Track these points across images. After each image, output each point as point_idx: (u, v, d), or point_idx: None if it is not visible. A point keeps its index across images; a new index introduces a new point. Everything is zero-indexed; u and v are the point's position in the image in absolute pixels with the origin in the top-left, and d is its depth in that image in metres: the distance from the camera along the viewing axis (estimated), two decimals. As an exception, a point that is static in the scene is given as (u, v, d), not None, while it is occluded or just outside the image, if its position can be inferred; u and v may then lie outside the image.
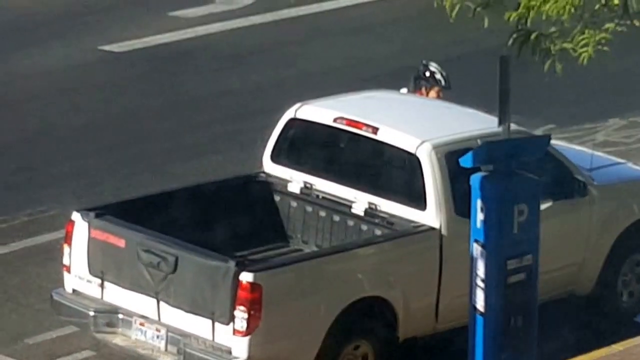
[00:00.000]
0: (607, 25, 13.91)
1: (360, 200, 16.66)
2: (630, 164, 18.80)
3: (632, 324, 17.75)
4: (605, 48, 13.87)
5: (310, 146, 17.23)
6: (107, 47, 25.05)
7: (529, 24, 14.13)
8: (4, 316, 17.43)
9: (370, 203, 16.60)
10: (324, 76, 22.44)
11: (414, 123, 17.06)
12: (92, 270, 16.14)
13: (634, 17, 14.01)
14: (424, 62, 18.47)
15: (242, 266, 15.34)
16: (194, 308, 15.48)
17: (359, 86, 19.13)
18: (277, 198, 17.23)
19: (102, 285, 16.11)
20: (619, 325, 17.61)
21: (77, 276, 16.28)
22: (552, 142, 16.25)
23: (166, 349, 15.70)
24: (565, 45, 14.02)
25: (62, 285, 16.43)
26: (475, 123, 16.74)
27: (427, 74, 18.06)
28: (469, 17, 14.41)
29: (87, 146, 21.47)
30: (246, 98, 22.53)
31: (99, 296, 16.15)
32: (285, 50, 24.86)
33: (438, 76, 17.55)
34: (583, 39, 13.85)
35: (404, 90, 18.69)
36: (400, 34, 24.73)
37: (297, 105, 17.37)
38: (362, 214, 16.63)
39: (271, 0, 26.28)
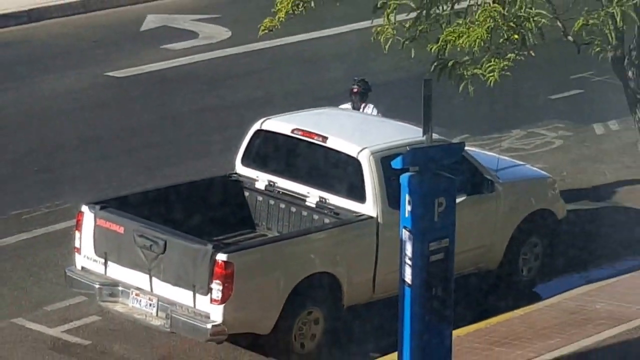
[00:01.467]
0: (509, 55, 13.93)
1: (312, 195, 16.62)
2: (528, 166, 18.85)
3: (531, 294, 17.74)
4: (508, 73, 13.89)
5: (273, 152, 17.16)
6: (111, 73, 24.88)
7: (446, 54, 14.14)
8: (27, 289, 17.31)
9: (320, 197, 16.56)
10: (284, 97, 22.44)
11: (355, 133, 17.01)
12: (97, 252, 16.07)
13: (530, 48, 14.03)
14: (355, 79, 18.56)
15: (217, 248, 15.32)
16: (179, 282, 15.44)
17: (312, 104, 19.16)
18: (246, 194, 17.17)
19: (105, 264, 16.04)
20: (520, 295, 17.59)
21: (86, 256, 16.21)
22: (466, 148, 16.27)
23: (157, 315, 15.64)
24: (476, 71, 14.05)
25: (74, 264, 16.33)
26: (404, 133, 16.68)
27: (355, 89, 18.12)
28: (399, 49, 14.42)
29: (94, 153, 21.36)
30: (222, 114, 22.50)
31: (103, 272, 16.07)
32: (254, 76, 24.80)
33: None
34: (490, 66, 13.88)
35: (347, 105, 18.74)
36: (345, 63, 24.66)
37: (262, 119, 17.36)
38: (314, 206, 16.60)
39: (243, 36, 26.10)
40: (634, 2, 13.94)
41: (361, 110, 18.64)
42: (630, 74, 15.12)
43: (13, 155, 21.32)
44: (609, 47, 14.69)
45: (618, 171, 20.90)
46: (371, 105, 18.50)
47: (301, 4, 14.56)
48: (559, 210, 18.11)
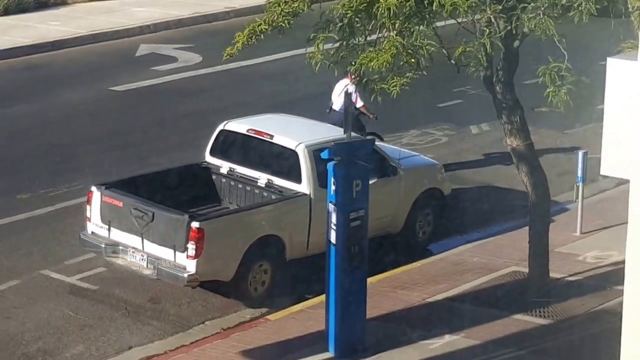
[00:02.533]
0: (407, 74, 13.86)
1: (262, 178, 16.64)
2: (422, 156, 18.80)
3: (425, 251, 17.75)
4: (407, 87, 13.83)
5: (233, 146, 17.14)
6: (113, 88, 24.67)
7: (362, 73, 14.08)
8: (51, 248, 17.26)
9: (268, 179, 16.58)
10: (244, 105, 22.40)
11: (294, 132, 16.98)
12: (103, 220, 16.06)
13: (423, 69, 13.97)
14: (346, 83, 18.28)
15: (192, 218, 15.38)
16: (164, 242, 15.44)
17: (262, 111, 19.03)
18: (213, 177, 17.13)
19: (109, 229, 16.04)
20: (417, 252, 17.63)
21: (94, 224, 16.20)
22: (376, 143, 16.30)
23: (147, 266, 15.69)
24: (383, 85, 13.94)
25: (86, 229, 16.31)
26: (330, 132, 16.71)
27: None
28: (326, 70, 14.35)
29: (100, 147, 21.16)
30: (195, 118, 22.36)
31: (107, 236, 16.07)
32: (219, 90, 24.68)
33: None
34: (393, 82, 13.77)
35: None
36: (289, 78, 24.69)
37: (225, 122, 17.35)
38: (263, 186, 16.59)
39: (211, 60, 25.95)
40: (499, 35, 13.94)
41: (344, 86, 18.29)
42: (497, 88, 15.08)
43: (39, 149, 21.15)
44: (481, 68, 14.64)
45: (487, 160, 20.91)
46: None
47: (254, 37, 14.43)
48: (446, 189, 18.14)
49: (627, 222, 17.24)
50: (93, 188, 16.19)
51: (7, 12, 29.94)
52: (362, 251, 14.20)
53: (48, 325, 15.23)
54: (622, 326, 8.86)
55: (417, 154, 18.84)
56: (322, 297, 14.65)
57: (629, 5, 13.08)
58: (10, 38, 27.96)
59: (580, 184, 17.69)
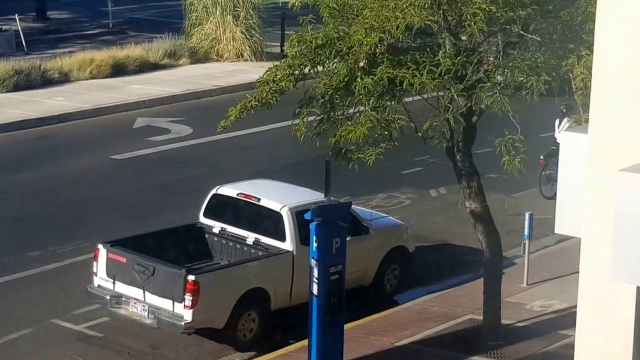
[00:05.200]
0: (381, 145, 14.02)
1: (250, 237, 16.65)
2: (389, 217, 18.92)
3: (392, 301, 17.80)
4: (381, 157, 13.97)
5: (224, 208, 17.13)
6: (114, 156, 24.70)
7: (340, 144, 14.20)
8: (60, 300, 17.22)
9: (256, 238, 16.59)
10: (232, 172, 22.44)
11: (279, 196, 17.02)
12: (108, 274, 16.01)
13: (394, 140, 14.13)
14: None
15: (188, 272, 15.37)
16: (163, 294, 15.41)
17: (249, 177, 19.11)
18: (206, 236, 17.12)
19: (114, 283, 15.98)
20: (385, 302, 17.71)
21: (100, 278, 16.15)
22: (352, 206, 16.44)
23: (148, 316, 15.61)
24: (360, 155, 14.10)
25: (93, 282, 16.27)
26: (311, 196, 16.73)
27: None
28: (309, 141, 14.47)
29: (104, 209, 21.18)
30: (188, 183, 22.42)
31: (112, 288, 16.01)
32: (209, 158, 24.71)
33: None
34: (369, 152, 13.93)
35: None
36: (272, 149, 24.80)
37: (217, 186, 17.41)
38: (251, 244, 16.59)
39: (200, 132, 26.14)
40: (461, 110, 14.12)
41: (562, 122, 18.55)
42: (457, 157, 15.24)
43: (48, 211, 21.10)
44: (444, 139, 14.81)
45: (446, 221, 21.04)
46: (567, 119, 18.34)
47: (245, 111, 14.56)
48: (410, 246, 18.23)
49: (567, 276, 17.54)
50: (99, 245, 16.17)
51: (16, 88, 29.96)
52: (341, 302, 14.23)
53: (59, 369, 15.22)
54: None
55: (385, 215, 18.96)
56: (304, 342, 14.67)
57: (573, 86, 13.32)
58: (21, 112, 27.97)
59: (527, 241, 17.91)
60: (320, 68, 14.27)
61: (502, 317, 15.92)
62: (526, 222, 17.78)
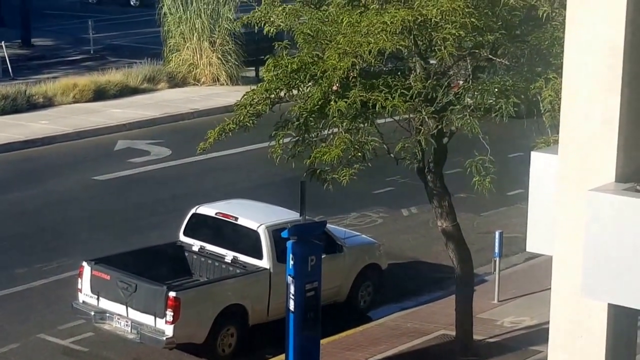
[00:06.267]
0: (355, 166, 13.88)
1: (229, 255, 16.50)
2: (363, 235, 18.73)
3: (366, 317, 17.62)
4: (354, 177, 13.83)
5: (203, 227, 16.96)
6: (96, 177, 24.50)
7: (315, 165, 14.06)
8: (46, 315, 17.02)
9: (234, 256, 16.44)
10: (210, 192, 22.27)
11: (255, 215, 16.85)
12: (93, 291, 15.84)
13: (367, 161, 13.99)
14: None
15: (169, 288, 15.21)
16: (145, 310, 15.24)
17: (225, 197, 18.96)
18: (186, 254, 16.94)
19: (98, 299, 15.81)
20: (359, 318, 17.52)
21: (85, 294, 15.97)
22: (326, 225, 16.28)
23: (131, 331, 15.43)
24: (335, 175, 13.95)
25: (77, 299, 16.08)
26: (287, 215, 16.57)
27: None
28: (285, 163, 14.33)
29: (87, 227, 21.00)
30: (167, 203, 22.28)
31: (97, 304, 15.82)
32: (187, 178, 24.54)
33: None
34: (343, 173, 13.78)
35: None
36: (249, 168, 24.68)
37: (197, 206, 17.24)
38: (229, 261, 16.43)
39: (178, 153, 25.99)
40: (432, 132, 14.02)
41: None
42: (429, 177, 15.11)
43: (33, 230, 20.89)
44: (416, 160, 14.70)
45: (417, 239, 20.86)
46: None
47: (223, 134, 14.40)
48: (383, 264, 18.07)
49: (536, 292, 17.41)
50: (84, 263, 15.97)
51: (3, 112, 29.76)
52: (317, 317, 14.09)
53: (44, 383, 15.01)
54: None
55: (358, 233, 18.77)
56: (282, 357, 14.52)
57: (541, 108, 13.22)
58: (7, 134, 27.75)
59: (497, 259, 17.76)
60: (295, 92, 14.12)
61: (474, 332, 15.77)
62: (496, 240, 17.64)
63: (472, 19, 13.17)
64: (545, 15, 13.19)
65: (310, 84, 13.95)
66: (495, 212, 21.81)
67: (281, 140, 14.07)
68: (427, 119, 13.96)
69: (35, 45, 41.07)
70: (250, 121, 14.09)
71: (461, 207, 20.15)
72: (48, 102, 31.09)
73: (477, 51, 14.05)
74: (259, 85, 14.31)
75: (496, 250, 17.70)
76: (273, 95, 14.06)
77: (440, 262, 19.05)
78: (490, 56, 14.03)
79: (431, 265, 19.53)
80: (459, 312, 15.59)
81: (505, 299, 17.86)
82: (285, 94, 14.10)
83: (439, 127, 14.09)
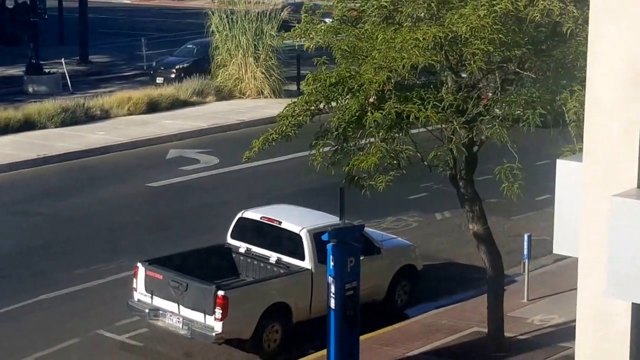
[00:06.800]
0: (390, 173, 13.89)
1: (273, 256, 16.51)
2: (399, 238, 18.68)
3: (403, 315, 17.59)
4: (390, 184, 13.84)
5: (249, 230, 16.99)
6: (150, 184, 24.60)
7: (353, 172, 14.08)
8: (104, 313, 17.09)
9: (278, 257, 16.45)
10: (255, 198, 22.27)
11: (298, 219, 16.85)
12: (147, 290, 15.92)
13: (402, 169, 13.99)
14: None
15: (218, 287, 15.23)
16: (196, 307, 15.29)
17: (271, 202, 18.96)
18: (233, 255, 16.98)
19: (151, 297, 15.87)
20: (396, 315, 17.45)
21: (140, 293, 16.05)
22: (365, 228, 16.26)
23: (182, 327, 15.48)
24: (371, 182, 13.97)
25: (133, 297, 16.16)
26: (327, 219, 16.54)
27: None
28: (325, 170, 14.35)
29: (141, 232, 21.09)
30: (216, 208, 22.28)
31: (150, 302, 15.89)
32: (236, 185, 24.61)
33: None
34: (380, 179, 13.80)
35: None
36: (292, 176, 24.64)
37: (243, 211, 17.28)
38: (274, 262, 16.45)
39: (226, 161, 26.02)
40: (463, 141, 14.00)
41: None
42: (460, 183, 15.09)
43: (91, 233, 21.05)
44: (448, 168, 14.68)
45: (450, 241, 20.71)
46: None
47: (267, 143, 14.44)
48: (419, 265, 17.99)
49: (564, 292, 17.29)
50: (139, 264, 16.06)
51: (63, 124, 29.97)
52: (356, 315, 14.06)
53: (102, 376, 15.13)
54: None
55: (395, 236, 18.75)
56: (323, 352, 14.49)
57: (567, 118, 13.16)
58: (66, 144, 27.96)
59: (527, 260, 17.67)
60: (334, 104, 14.16)
61: (505, 330, 15.69)
62: (525, 243, 17.60)
63: (500, 35, 13.14)
64: (569, 31, 13.13)
65: (347, 96, 13.99)
66: (524, 216, 21.67)
67: (321, 149, 14.12)
68: (458, 129, 13.95)
69: (92, 61, 41.39)
70: (292, 131, 14.13)
71: (492, 212, 20.05)
72: (104, 115, 31.29)
73: (505, 65, 14.04)
74: (300, 97, 14.36)
75: (525, 252, 17.63)
76: (313, 107, 14.11)
77: (472, 263, 18.94)
78: (517, 70, 14.00)
79: (464, 266, 19.45)
80: (490, 310, 15.53)
81: (534, 298, 17.75)
82: (324, 105, 14.15)
83: (470, 136, 14.07)
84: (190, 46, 37.42)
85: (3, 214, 22.22)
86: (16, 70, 37.75)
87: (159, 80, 35.28)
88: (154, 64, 37.04)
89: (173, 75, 35.30)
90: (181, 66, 35.70)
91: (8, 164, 25.95)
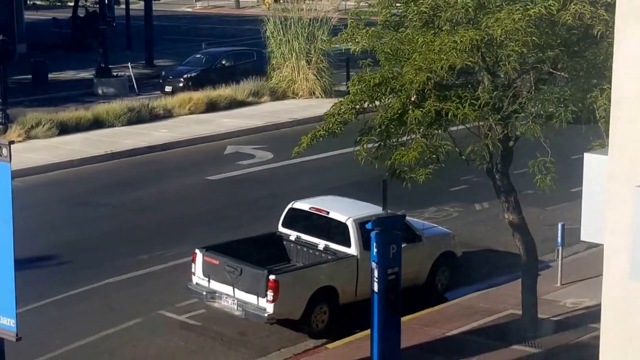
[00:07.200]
0: (430, 166, 13.88)
1: (321, 243, 16.55)
2: (439, 227, 18.65)
3: (443, 298, 17.47)
4: (429, 176, 13.84)
5: (299, 219, 17.06)
6: (209, 178, 24.77)
7: (395, 166, 14.09)
8: (165, 295, 17.22)
9: (325, 244, 16.49)
10: (305, 189, 22.11)
11: (344, 209, 16.88)
12: (204, 274, 16.04)
13: (441, 162, 13.98)
14: None
15: (270, 272, 15.32)
16: (249, 290, 15.40)
17: (320, 194, 18.94)
18: (284, 242, 17.05)
19: (208, 281, 15.99)
20: (436, 299, 17.44)
21: (198, 277, 16.17)
22: (406, 217, 16.26)
23: (237, 309, 15.59)
24: (412, 175, 13.98)
25: (191, 281, 16.28)
26: (371, 209, 16.46)
27: None
28: (369, 164, 14.37)
29: (200, 221, 21.19)
30: (269, 199, 22.30)
31: (207, 285, 16.00)
32: (287, 178, 24.65)
33: None
34: (420, 172, 13.80)
35: None
36: (338, 169, 24.58)
37: (293, 202, 17.35)
38: (322, 249, 16.50)
39: (280, 157, 26.05)
40: (498, 137, 13.96)
41: None
42: (496, 177, 15.04)
43: (155, 222, 21.23)
44: (485, 162, 14.63)
45: (488, 230, 20.59)
46: None
47: (315, 139, 14.48)
48: (458, 251, 17.98)
49: (595, 277, 17.16)
50: (197, 250, 16.19)
51: (129, 122, 30.23)
52: (397, 298, 14.11)
53: (164, 352, 15.24)
54: (600, 354, 8.76)
55: (435, 225, 18.72)
56: (368, 332, 14.54)
57: (597, 115, 13.08)
58: (132, 141, 28.22)
59: (560, 248, 17.64)
60: (377, 102, 14.19)
61: (539, 312, 15.64)
62: (559, 231, 17.58)
63: (533, 38, 13.09)
64: (599, 33, 13.04)
65: (390, 95, 14.01)
66: (559, 206, 21.47)
67: (365, 145, 14.15)
68: (494, 126, 13.93)
69: (156, 65, 41.73)
70: (338, 128, 14.16)
71: (529, 203, 19.98)
72: (167, 114, 31.51)
73: (539, 65, 13.97)
74: (346, 97, 14.39)
75: (559, 240, 17.61)
76: (358, 106, 14.14)
77: (508, 250, 18.78)
78: (551, 70, 13.92)
79: (500, 253, 19.35)
80: (524, 293, 15.48)
81: (567, 282, 17.67)
82: (368, 104, 14.16)
83: (505, 132, 14.02)
84: (199, 56, 36.51)
85: (75, 205, 22.48)
86: (87, 74, 38.21)
87: (168, 89, 34.21)
88: (163, 73, 36.09)
89: (181, 84, 34.21)
90: (189, 75, 34.69)
91: (79, 159, 26.28)
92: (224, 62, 35.87)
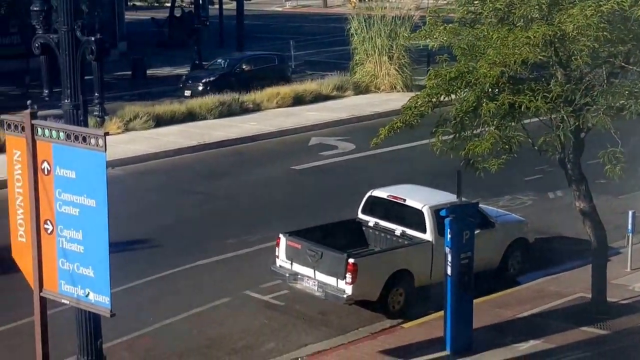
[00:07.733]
0: (503, 157, 13.85)
1: (398, 229, 16.61)
2: (513, 215, 18.58)
3: (515, 282, 17.46)
4: (502, 166, 13.82)
5: (377, 206, 17.12)
6: (294, 167, 25.04)
7: (469, 156, 14.08)
8: (251, 277, 17.41)
9: (402, 230, 16.55)
10: (383, 178, 22.10)
11: (420, 197, 16.90)
12: (287, 257, 16.21)
13: (514, 152, 13.92)
14: None
15: (349, 256, 15.41)
16: (329, 273, 15.51)
17: (398, 182, 18.98)
18: (363, 228, 17.14)
19: (291, 264, 16.15)
20: (509, 282, 17.37)
21: (281, 260, 16.33)
22: (480, 205, 16.21)
23: (317, 290, 15.73)
24: (485, 165, 13.97)
25: (275, 264, 16.47)
26: (446, 197, 16.53)
27: None
28: (444, 154, 14.40)
29: (286, 206, 21.44)
30: (350, 188, 22.31)
31: (290, 268, 16.17)
32: (368, 168, 24.76)
33: None
34: (493, 163, 13.79)
35: None
36: (415, 160, 24.66)
37: (372, 190, 17.42)
38: (399, 235, 16.57)
39: (361, 148, 26.16)
40: (570, 128, 13.86)
41: None
42: (568, 166, 14.95)
43: (242, 208, 21.53)
44: (557, 152, 14.55)
45: (561, 218, 20.49)
46: None
47: (392, 131, 14.51)
48: (530, 238, 17.90)
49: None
50: (280, 235, 16.39)
51: (220, 115, 30.70)
52: (470, 281, 14.15)
53: (249, 329, 15.45)
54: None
55: (509, 213, 18.63)
56: (441, 313, 14.61)
57: (665, 107, 12.90)
58: (223, 133, 28.62)
59: (630, 235, 17.47)
60: (453, 96, 14.16)
61: (608, 296, 15.51)
62: (630, 219, 17.41)
63: (605, 33, 12.95)
64: (671, 28, 12.85)
65: (466, 89, 13.99)
66: (631, 195, 21.17)
67: (441, 137, 14.17)
68: (566, 118, 13.83)
69: (248, 61, 42.10)
70: (415, 120, 14.17)
71: (602, 191, 19.85)
72: (256, 107, 31.89)
73: (611, 60, 13.81)
74: (422, 90, 14.42)
75: (629, 227, 17.43)
76: (434, 99, 14.13)
77: (579, 236, 18.61)
78: (623, 64, 13.76)
79: (571, 240, 19.19)
80: (594, 277, 15.36)
81: (636, 268, 17.45)
82: (444, 97, 14.18)
83: (577, 124, 13.91)
84: (220, 60, 35.16)
85: (169, 193, 22.92)
86: (182, 70, 38.82)
87: (187, 93, 32.95)
88: (183, 77, 34.81)
89: (200, 88, 32.90)
90: (208, 80, 33.38)
91: (174, 150, 26.77)
92: (244, 67, 34.59)
